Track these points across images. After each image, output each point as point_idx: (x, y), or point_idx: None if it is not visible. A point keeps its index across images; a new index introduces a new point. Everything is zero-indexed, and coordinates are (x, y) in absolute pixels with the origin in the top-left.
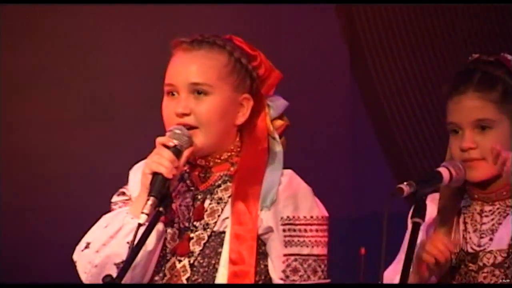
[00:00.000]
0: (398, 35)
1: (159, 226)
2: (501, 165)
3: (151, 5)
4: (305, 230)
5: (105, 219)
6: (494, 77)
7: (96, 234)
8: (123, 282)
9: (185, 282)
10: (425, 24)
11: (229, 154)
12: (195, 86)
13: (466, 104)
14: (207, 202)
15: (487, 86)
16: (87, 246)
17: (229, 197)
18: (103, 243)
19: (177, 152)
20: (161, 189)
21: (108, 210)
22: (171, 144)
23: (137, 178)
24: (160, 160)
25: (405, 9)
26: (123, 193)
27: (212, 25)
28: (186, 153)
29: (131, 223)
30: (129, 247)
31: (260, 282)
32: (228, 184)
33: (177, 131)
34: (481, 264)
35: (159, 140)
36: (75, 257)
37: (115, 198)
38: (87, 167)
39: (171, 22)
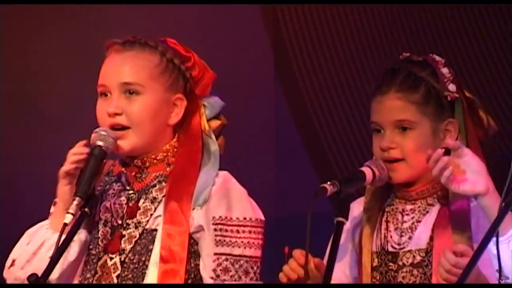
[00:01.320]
0: (322, 36)
1: (82, 235)
2: (441, 170)
3: (84, 5)
4: (238, 231)
5: (27, 235)
6: (417, 78)
7: (19, 250)
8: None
9: (115, 279)
10: (349, 24)
11: (165, 154)
12: (126, 86)
13: (387, 104)
14: (141, 201)
15: (409, 87)
16: (12, 264)
17: (163, 196)
18: (27, 260)
19: (102, 153)
20: (86, 190)
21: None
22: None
23: None
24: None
25: (329, 9)
26: (56, 203)
27: (141, 26)
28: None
29: (51, 239)
30: (55, 247)
31: (190, 281)
32: (163, 184)
33: (103, 133)
34: (400, 263)
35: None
36: (4, 274)
37: (52, 209)
38: (16, 166)
39: (103, 23)
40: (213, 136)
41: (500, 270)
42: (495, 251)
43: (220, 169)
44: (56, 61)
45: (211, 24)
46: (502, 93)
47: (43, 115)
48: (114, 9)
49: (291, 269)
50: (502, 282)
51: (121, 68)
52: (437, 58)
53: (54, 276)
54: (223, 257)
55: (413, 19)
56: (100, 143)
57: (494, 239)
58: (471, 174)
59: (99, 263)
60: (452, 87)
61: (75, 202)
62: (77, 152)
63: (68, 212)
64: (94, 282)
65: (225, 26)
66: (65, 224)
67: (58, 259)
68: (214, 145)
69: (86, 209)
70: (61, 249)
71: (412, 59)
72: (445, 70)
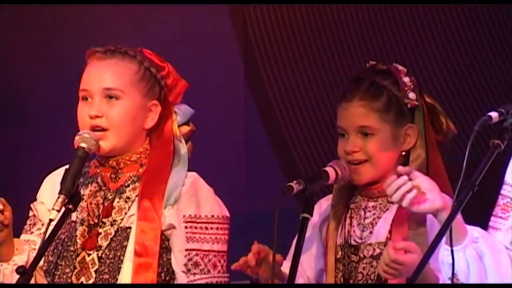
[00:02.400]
0: (289, 44)
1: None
2: (404, 193)
3: (69, 12)
4: (206, 228)
5: None
6: (380, 87)
7: None
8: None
9: (94, 274)
10: (318, 28)
11: (138, 156)
12: (107, 91)
13: (351, 111)
14: (116, 200)
15: (372, 95)
16: None
17: (136, 196)
18: None
19: (85, 154)
20: (70, 188)
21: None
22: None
23: (50, 184)
24: None
25: (298, 12)
26: (31, 209)
27: (112, 31)
28: None
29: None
30: (42, 240)
31: (163, 274)
32: (136, 184)
33: (86, 135)
34: (361, 255)
35: None
36: None
37: (29, 214)
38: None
39: (72, 29)
40: (183, 141)
41: (452, 277)
42: (449, 260)
43: (190, 170)
44: (41, 65)
45: (182, 33)
46: (461, 96)
47: (29, 117)
48: (94, 17)
49: (246, 259)
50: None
51: (103, 74)
52: (400, 67)
53: None
54: (194, 252)
55: (378, 26)
56: (83, 144)
57: (448, 248)
58: (427, 193)
59: (78, 259)
60: (412, 95)
61: (60, 200)
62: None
63: (53, 209)
64: (73, 277)
65: (197, 35)
66: (51, 220)
67: (44, 252)
68: (183, 149)
69: (70, 206)
70: (47, 243)
71: (376, 68)
72: (406, 79)
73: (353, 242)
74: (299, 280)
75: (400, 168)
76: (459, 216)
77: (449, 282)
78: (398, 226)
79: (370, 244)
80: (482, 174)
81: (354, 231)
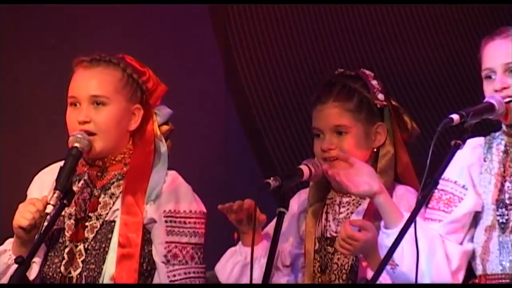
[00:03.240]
0: (267, 44)
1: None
2: (333, 180)
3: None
4: (185, 222)
5: None
6: (351, 90)
7: None
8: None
9: (81, 264)
10: (292, 32)
11: (122, 156)
12: (94, 98)
13: (326, 112)
14: (101, 196)
15: (345, 97)
16: None
17: (120, 192)
18: None
19: (79, 153)
20: (65, 184)
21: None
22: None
23: (39, 182)
24: (23, 214)
25: (275, 16)
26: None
27: (94, 36)
28: None
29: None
30: (39, 232)
31: (144, 264)
32: (121, 182)
33: (79, 136)
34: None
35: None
36: None
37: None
38: None
39: (65, 31)
40: (163, 140)
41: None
42: (387, 243)
43: (174, 167)
44: (36, 68)
45: (164, 37)
46: (424, 99)
47: (23, 121)
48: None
49: (231, 204)
50: (393, 269)
51: (90, 82)
52: (367, 72)
53: None
54: (173, 244)
55: (353, 30)
56: (77, 144)
57: (385, 231)
58: (365, 177)
59: (66, 250)
60: (381, 96)
61: (55, 195)
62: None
63: (49, 203)
64: (62, 266)
65: (179, 40)
66: (47, 214)
67: (41, 242)
68: (163, 147)
69: (65, 201)
70: (44, 234)
71: (346, 74)
72: (374, 82)
73: (329, 235)
74: (277, 262)
75: (339, 154)
76: (393, 202)
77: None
78: (368, 219)
79: None
80: (444, 171)
81: (330, 225)
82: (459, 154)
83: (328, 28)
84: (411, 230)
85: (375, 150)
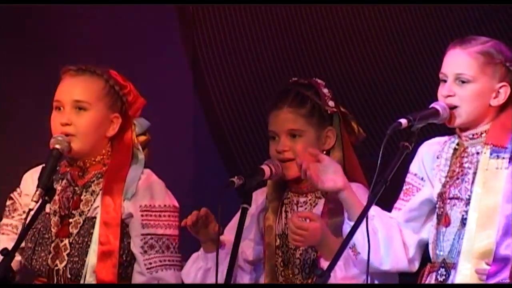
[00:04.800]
0: (234, 48)
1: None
2: (304, 172)
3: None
4: (160, 216)
5: None
6: (304, 97)
7: None
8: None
9: (66, 257)
10: (259, 37)
11: (101, 157)
12: (77, 103)
13: (282, 117)
14: (83, 194)
15: (299, 104)
16: None
17: (100, 189)
18: None
19: (59, 154)
20: (46, 183)
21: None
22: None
23: (30, 180)
24: None
25: (241, 19)
26: (11, 198)
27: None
28: None
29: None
30: (22, 227)
31: (124, 255)
32: (100, 180)
33: (60, 138)
34: None
35: None
36: None
37: (7, 203)
38: None
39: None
40: (140, 148)
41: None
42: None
43: (145, 167)
44: (22, 72)
45: (134, 43)
46: (375, 105)
47: (10, 125)
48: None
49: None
50: (355, 256)
51: (74, 88)
52: (319, 81)
53: None
54: (149, 236)
55: (308, 36)
56: (57, 146)
57: (349, 223)
58: (331, 174)
59: (52, 245)
60: (331, 103)
61: (37, 192)
62: None
63: (32, 200)
64: (49, 260)
65: (148, 46)
66: (30, 210)
67: (25, 236)
68: (141, 155)
69: (46, 198)
70: (27, 228)
71: (300, 82)
72: (325, 90)
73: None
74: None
75: (310, 150)
76: (357, 196)
77: (350, 251)
78: (324, 218)
79: None
80: (393, 171)
81: (289, 223)
82: (421, 150)
83: (291, 33)
84: (370, 221)
85: (325, 152)
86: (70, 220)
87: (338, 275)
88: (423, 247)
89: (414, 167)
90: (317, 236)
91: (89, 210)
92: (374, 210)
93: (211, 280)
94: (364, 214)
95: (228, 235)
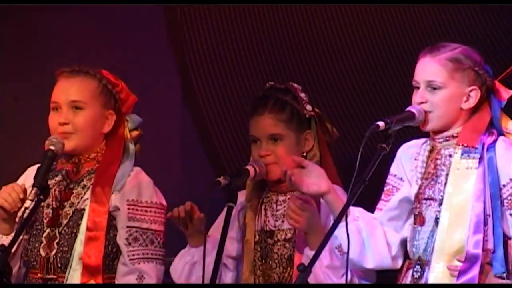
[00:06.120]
0: (214, 58)
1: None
2: (288, 178)
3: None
4: (146, 211)
5: None
6: (284, 102)
7: None
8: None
9: (56, 246)
10: (248, 41)
11: (95, 154)
12: (73, 103)
13: (262, 122)
14: (75, 188)
15: (278, 109)
16: None
17: (91, 184)
18: None
19: (53, 155)
20: (41, 182)
21: None
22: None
23: (32, 173)
24: (5, 196)
25: (228, 24)
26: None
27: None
28: None
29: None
30: (18, 223)
31: (110, 246)
32: (92, 175)
33: (54, 140)
34: (276, 239)
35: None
36: None
37: None
38: None
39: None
40: (132, 143)
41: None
42: (336, 234)
43: (134, 165)
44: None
45: (124, 49)
46: (353, 108)
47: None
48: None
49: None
50: (341, 255)
51: (70, 89)
52: (295, 85)
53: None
54: (134, 229)
55: (295, 40)
56: (51, 147)
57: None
58: (315, 178)
59: (44, 235)
60: (308, 107)
61: (33, 191)
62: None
63: (27, 199)
64: (41, 249)
65: (137, 53)
66: (26, 208)
67: (20, 233)
68: (132, 146)
69: (41, 196)
70: (23, 226)
71: (277, 87)
72: (302, 95)
73: (268, 229)
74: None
75: (294, 158)
76: (343, 198)
77: (336, 251)
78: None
79: (283, 230)
80: (371, 171)
81: (269, 221)
82: (400, 151)
83: (278, 37)
84: (355, 222)
85: (304, 154)
86: (61, 211)
87: (324, 262)
88: (406, 244)
89: (393, 168)
90: (313, 220)
91: (78, 202)
92: (358, 211)
93: (198, 272)
94: (344, 212)
95: (214, 233)
